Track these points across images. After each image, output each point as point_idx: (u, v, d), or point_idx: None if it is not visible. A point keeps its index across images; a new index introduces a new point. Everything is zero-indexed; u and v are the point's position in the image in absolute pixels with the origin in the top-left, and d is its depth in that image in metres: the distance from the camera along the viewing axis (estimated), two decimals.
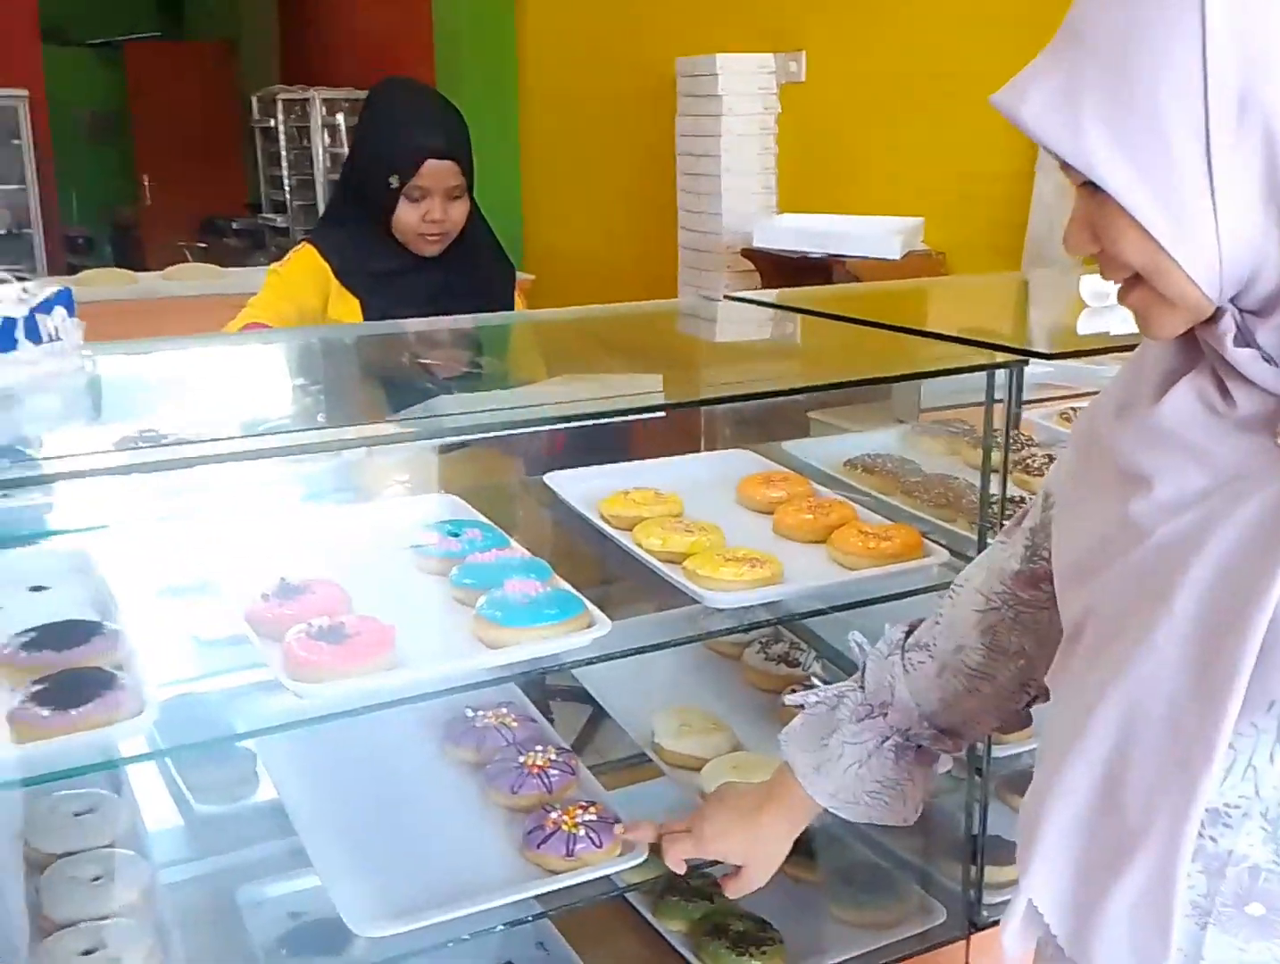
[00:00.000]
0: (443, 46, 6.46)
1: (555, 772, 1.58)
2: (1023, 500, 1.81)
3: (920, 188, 4.01)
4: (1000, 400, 1.61)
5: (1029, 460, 1.97)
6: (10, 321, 1.28)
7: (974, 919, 1.72)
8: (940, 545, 1.69)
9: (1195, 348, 0.90)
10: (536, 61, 6.25)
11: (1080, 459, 1.05)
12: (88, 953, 1.27)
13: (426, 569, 1.57)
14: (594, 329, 2.14)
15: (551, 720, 1.91)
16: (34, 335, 1.33)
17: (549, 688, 2.03)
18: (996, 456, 1.62)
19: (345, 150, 7.11)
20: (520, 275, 5.92)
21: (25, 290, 1.32)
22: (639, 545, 1.64)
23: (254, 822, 1.71)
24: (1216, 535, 0.85)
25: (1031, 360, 1.58)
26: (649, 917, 1.73)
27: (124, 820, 1.49)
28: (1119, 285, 0.90)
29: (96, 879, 1.38)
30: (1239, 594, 0.83)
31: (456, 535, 1.60)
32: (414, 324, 2.11)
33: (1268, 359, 0.85)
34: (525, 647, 1.37)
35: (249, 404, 1.58)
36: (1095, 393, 2.58)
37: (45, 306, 1.36)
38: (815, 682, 1.84)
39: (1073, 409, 2.21)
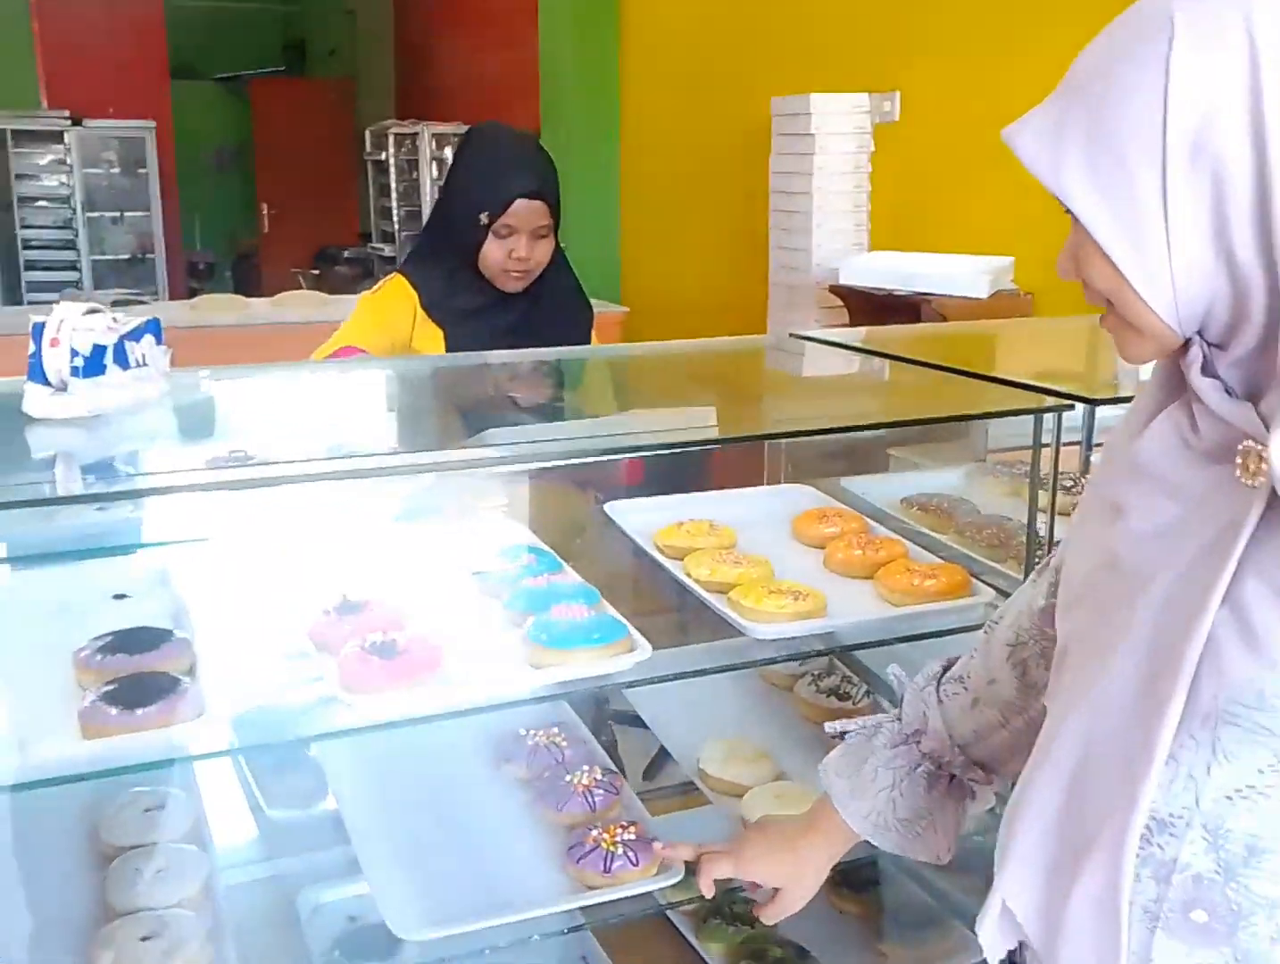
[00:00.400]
0: (547, 87, 6.62)
1: (600, 791, 1.63)
2: None
3: (1012, 228, 4.01)
4: (1047, 444, 1.62)
5: None
6: (100, 348, 1.38)
7: (1016, 961, 1.71)
8: (989, 586, 1.71)
9: (1181, 381, 0.93)
10: (637, 102, 6.37)
11: (1088, 491, 1.09)
12: (145, 939, 1.35)
13: (484, 592, 1.64)
14: (663, 365, 2.20)
15: (615, 745, 1.97)
16: (122, 361, 1.43)
17: (615, 713, 2.09)
18: (1045, 498, 1.63)
19: None
20: (616, 309, 6.05)
21: (115, 319, 1.42)
22: (688, 575, 1.69)
23: (319, 829, 1.80)
24: (1172, 561, 0.90)
25: (1078, 404, 1.58)
26: (691, 939, 1.76)
27: (190, 819, 1.58)
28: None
29: (159, 872, 1.47)
30: (1183, 613, 0.88)
31: (514, 560, 1.67)
32: (494, 356, 2.19)
33: (1229, 391, 0.89)
34: (567, 667, 1.42)
35: (327, 428, 1.67)
36: None
37: (135, 335, 1.46)
38: (863, 716, 1.87)
39: None
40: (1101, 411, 2.35)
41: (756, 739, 1.83)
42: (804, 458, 2.20)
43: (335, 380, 2.01)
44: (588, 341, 2.57)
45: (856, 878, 1.86)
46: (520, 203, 2.27)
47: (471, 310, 2.36)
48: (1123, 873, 0.91)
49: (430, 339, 2.35)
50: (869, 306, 4.13)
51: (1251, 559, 0.87)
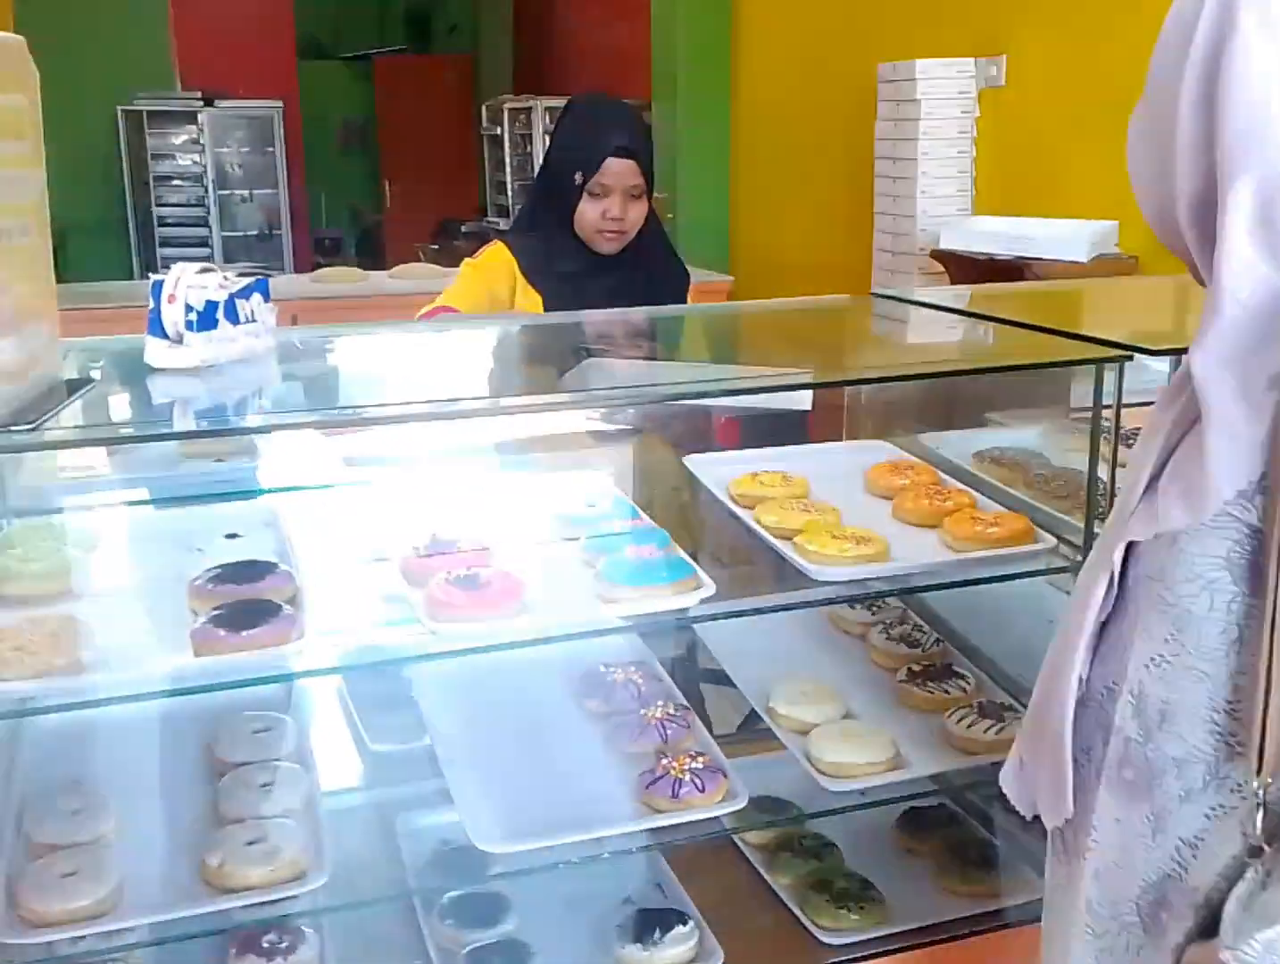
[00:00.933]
0: (659, 59, 6.68)
1: (673, 725, 1.73)
2: None
3: (1116, 192, 3.95)
4: (1109, 404, 1.65)
5: None
6: (212, 304, 1.51)
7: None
8: (1053, 535, 1.75)
9: None
10: (749, 72, 6.39)
11: None
12: (251, 843, 1.49)
13: (565, 534, 1.74)
14: (744, 324, 2.28)
15: (703, 703, 2.05)
16: (232, 316, 1.55)
17: (705, 672, 2.17)
18: (1107, 449, 1.67)
19: None
20: (723, 278, 6.10)
21: (226, 277, 1.55)
22: (758, 522, 1.77)
23: (419, 761, 1.92)
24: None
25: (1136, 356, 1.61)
26: (761, 870, 1.85)
27: (294, 741, 1.72)
28: None
29: (265, 785, 1.61)
30: (1121, 506, 1.08)
31: (594, 506, 1.77)
32: (591, 315, 2.27)
33: None
34: (635, 602, 1.52)
35: (421, 377, 1.78)
36: None
37: (244, 293, 1.59)
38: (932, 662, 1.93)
39: None
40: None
41: (827, 682, 1.90)
42: (885, 416, 2.25)
43: (433, 337, 2.13)
44: (683, 301, 2.65)
45: (923, 819, 1.92)
46: (612, 161, 2.36)
47: (569, 274, 2.46)
48: (1065, 734, 1.06)
49: (530, 303, 2.46)
50: (970, 271, 4.12)
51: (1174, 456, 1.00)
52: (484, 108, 9.35)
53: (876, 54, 4.83)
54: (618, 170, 2.37)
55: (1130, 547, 1.04)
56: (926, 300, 2.18)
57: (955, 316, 2.10)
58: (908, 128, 4.57)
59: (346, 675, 1.81)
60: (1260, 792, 0.95)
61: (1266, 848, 0.96)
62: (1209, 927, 0.99)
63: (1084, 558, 1.68)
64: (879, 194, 4.83)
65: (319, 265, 9.27)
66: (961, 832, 1.92)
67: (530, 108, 8.03)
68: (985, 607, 1.99)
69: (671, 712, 1.75)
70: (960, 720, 1.76)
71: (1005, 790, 1.20)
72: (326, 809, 1.65)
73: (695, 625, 1.93)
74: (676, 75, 6.49)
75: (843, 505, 1.84)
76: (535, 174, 2.88)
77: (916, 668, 1.91)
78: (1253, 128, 0.93)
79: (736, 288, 5.95)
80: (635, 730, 1.72)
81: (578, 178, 2.38)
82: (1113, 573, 1.04)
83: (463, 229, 9.13)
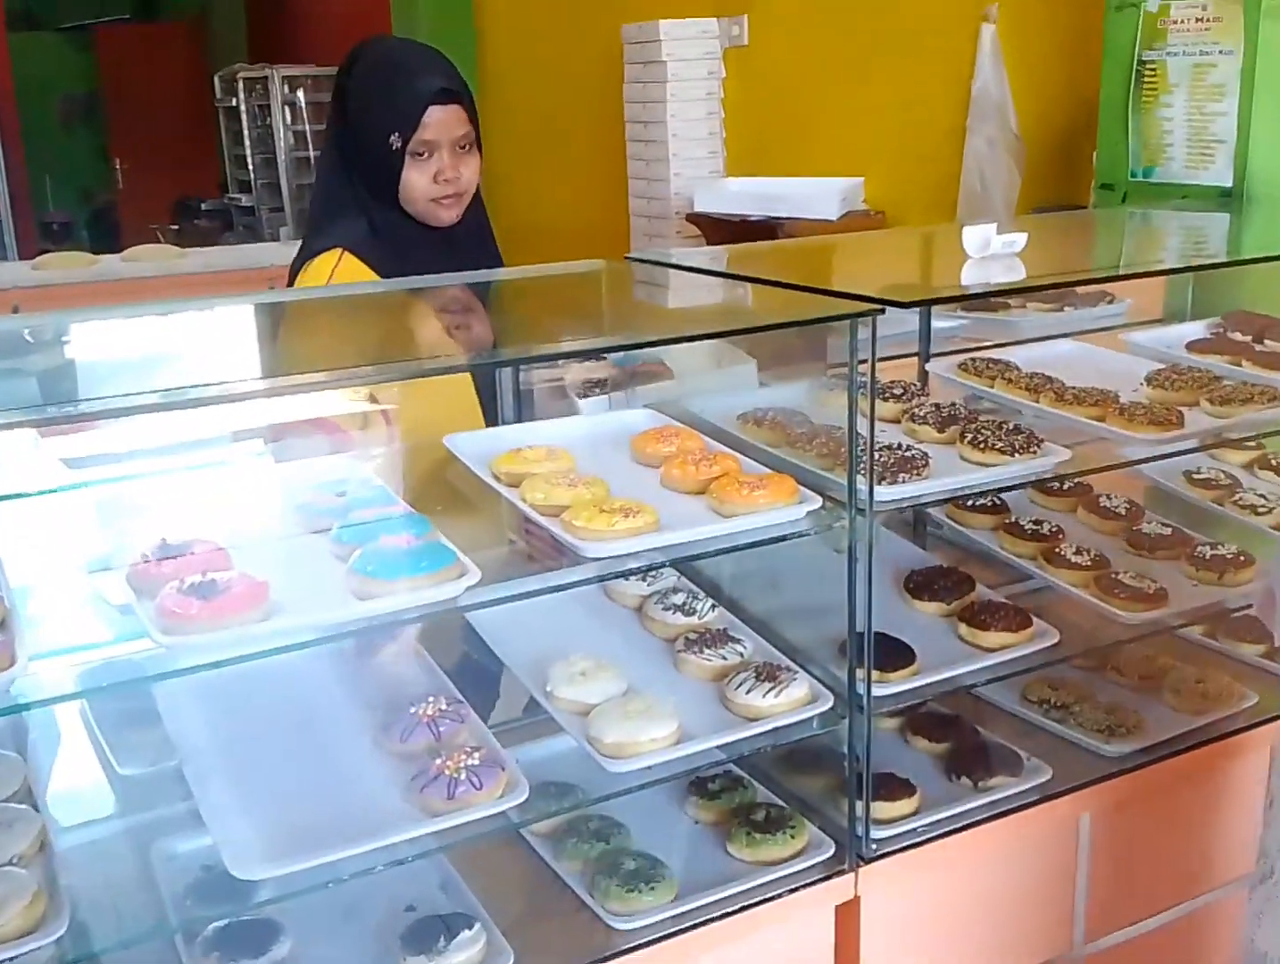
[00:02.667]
0: (400, 20, 6.46)
1: (446, 721, 1.64)
2: (904, 447, 1.87)
3: (861, 148, 4.05)
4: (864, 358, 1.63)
5: (917, 410, 2.02)
6: None
7: (862, 853, 1.78)
8: (818, 493, 1.74)
9: None
10: (493, 34, 6.26)
11: None
12: None
13: (312, 527, 1.62)
14: (506, 293, 2.18)
15: (487, 687, 1.96)
16: None
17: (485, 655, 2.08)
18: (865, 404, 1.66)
19: (307, 127, 7.10)
20: None
21: None
22: (523, 500, 1.69)
23: (172, 781, 1.77)
24: None
25: (888, 309, 1.61)
26: (548, 859, 1.78)
27: (23, 778, 1.55)
28: None
29: None
30: None
31: (343, 494, 1.65)
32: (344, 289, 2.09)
33: None
34: (393, 596, 1.42)
35: (149, 367, 1.62)
36: (1002, 344, 2.63)
37: None
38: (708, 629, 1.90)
39: (972, 360, 2.25)
40: (937, 322, 2.42)
41: (607, 659, 1.84)
42: (648, 380, 2.21)
43: (161, 320, 1.95)
44: None
45: (708, 786, 1.90)
46: (433, 111, 2.00)
47: (426, 263, 2.07)
48: None
49: None
50: (726, 233, 4.14)
51: None
52: (216, 78, 8.87)
53: (621, 14, 4.79)
54: (441, 120, 2.01)
55: None
56: (680, 263, 2.14)
57: (710, 278, 2.07)
58: (655, 90, 4.56)
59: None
60: None
61: None
62: None
63: (850, 514, 1.69)
64: (631, 157, 4.81)
65: (46, 252, 8.64)
66: (743, 793, 1.90)
67: (266, 77, 7.65)
68: (758, 568, 1.98)
69: (444, 706, 1.66)
70: (739, 686, 1.74)
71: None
72: (69, 846, 1.49)
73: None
74: (419, 36, 6.29)
75: (610, 476, 1.79)
76: (324, 152, 2.27)
77: (693, 636, 1.88)
78: None
79: None
80: (405, 729, 1.62)
81: (394, 140, 2.00)
82: None
83: (203, 206, 8.67)
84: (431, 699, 1.67)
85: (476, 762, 1.54)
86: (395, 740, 1.62)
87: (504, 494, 1.72)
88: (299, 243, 2.29)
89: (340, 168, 2.15)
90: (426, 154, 2.04)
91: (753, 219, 4.03)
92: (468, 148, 2.09)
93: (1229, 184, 2.61)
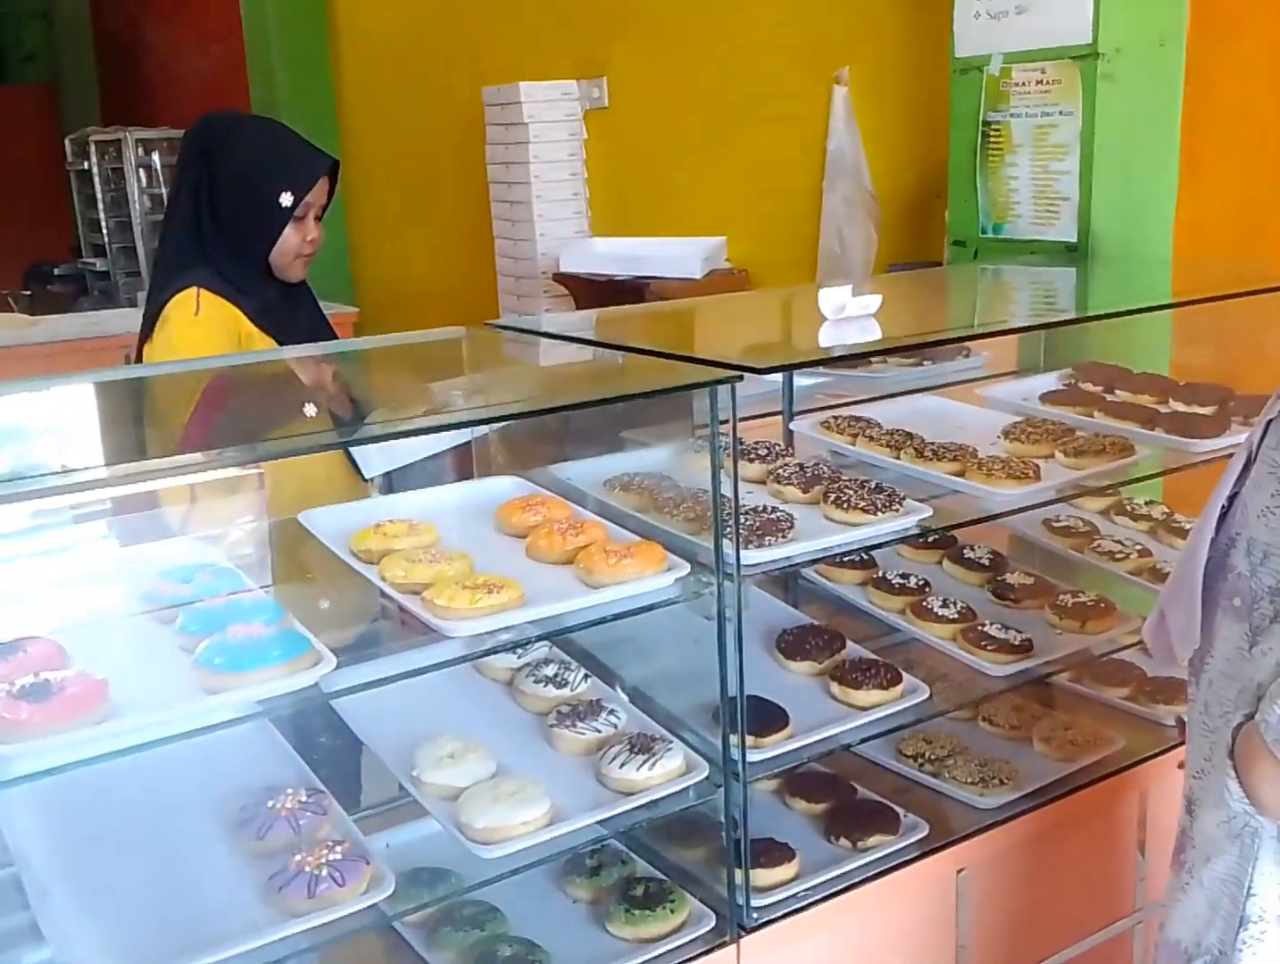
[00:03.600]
0: (257, 84, 6.38)
1: (306, 813, 1.57)
2: (769, 509, 1.86)
3: (723, 208, 4.10)
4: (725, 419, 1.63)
5: (781, 471, 2.02)
6: None
7: (743, 923, 1.75)
8: (687, 559, 1.72)
9: None
10: (353, 96, 6.22)
11: None
12: None
13: (158, 618, 1.54)
14: (358, 363, 2.14)
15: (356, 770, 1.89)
16: None
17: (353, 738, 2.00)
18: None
19: (162, 190, 6.94)
20: (348, 309, 5.88)
21: None
22: (383, 578, 1.63)
23: (13, 892, 1.66)
24: None
25: (746, 375, 1.60)
26: (421, 951, 1.71)
27: None
28: None
29: None
30: None
31: (190, 581, 1.58)
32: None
33: None
34: (242, 689, 1.35)
35: None
36: (866, 400, 2.65)
37: None
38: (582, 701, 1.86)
39: (835, 418, 2.27)
40: (799, 380, 2.44)
41: (478, 737, 1.79)
42: (514, 449, 2.17)
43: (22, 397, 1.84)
44: None
45: (586, 863, 1.85)
46: (323, 179, 2.23)
47: (290, 310, 2.29)
48: (1199, 573, 1.40)
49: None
50: (593, 292, 4.15)
51: None
52: (67, 141, 8.62)
53: (481, 77, 4.79)
54: (322, 188, 2.24)
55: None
56: (541, 330, 2.12)
57: (573, 344, 2.05)
58: (518, 151, 4.56)
59: None
60: None
61: None
62: (1255, 713, 1.30)
63: (717, 578, 1.67)
64: (497, 218, 4.80)
65: None
66: (622, 868, 1.86)
67: (119, 140, 7.45)
68: (631, 636, 1.95)
69: (304, 798, 1.59)
70: (613, 760, 1.70)
71: (1145, 641, 1.56)
72: None
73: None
74: (277, 100, 6.22)
75: (475, 549, 1.74)
76: (186, 207, 2.30)
77: (566, 709, 1.84)
78: None
79: (363, 319, 5.76)
80: (263, 825, 1.54)
81: (285, 198, 2.17)
82: (1251, 450, 1.37)
83: (56, 272, 8.39)
84: (291, 791, 1.60)
85: (339, 856, 1.47)
86: (252, 838, 1.54)
87: (363, 573, 1.66)
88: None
89: (193, 223, 2.24)
90: (304, 216, 2.22)
91: (619, 278, 4.05)
92: (322, 217, 2.29)
93: (1074, 239, 2.70)
